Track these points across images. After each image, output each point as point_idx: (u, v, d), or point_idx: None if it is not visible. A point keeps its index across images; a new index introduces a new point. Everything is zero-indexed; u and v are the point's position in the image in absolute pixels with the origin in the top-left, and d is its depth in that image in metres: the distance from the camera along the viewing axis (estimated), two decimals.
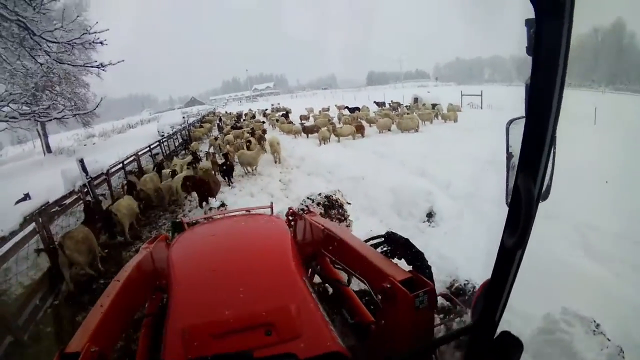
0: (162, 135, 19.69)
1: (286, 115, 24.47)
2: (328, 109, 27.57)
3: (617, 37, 39.70)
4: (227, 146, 11.93)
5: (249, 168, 10.30)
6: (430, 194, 5.95)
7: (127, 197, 6.84)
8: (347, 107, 23.58)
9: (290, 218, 3.13)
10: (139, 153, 11.71)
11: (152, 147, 13.48)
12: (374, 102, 27.21)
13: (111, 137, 28.06)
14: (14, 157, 22.96)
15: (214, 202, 7.12)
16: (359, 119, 17.76)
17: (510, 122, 0.89)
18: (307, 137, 16.28)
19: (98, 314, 1.55)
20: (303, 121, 19.17)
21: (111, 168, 8.67)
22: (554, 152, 0.78)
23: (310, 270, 2.61)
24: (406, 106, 23.19)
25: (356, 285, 2.62)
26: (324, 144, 14.29)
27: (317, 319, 1.46)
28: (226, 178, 10.00)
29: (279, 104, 38.19)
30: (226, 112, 37.76)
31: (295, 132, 17.01)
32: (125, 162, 10.05)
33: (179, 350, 1.31)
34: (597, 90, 28.68)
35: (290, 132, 17.29)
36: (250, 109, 35.97)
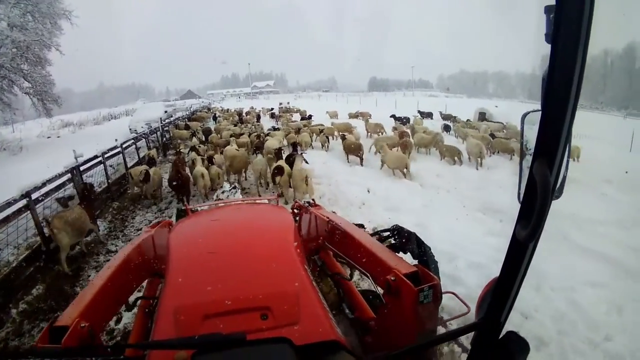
0: (135, 132, 14.01)
1: (308, 119, 18.19)
2: (357, 116, 21.51)
3: (629, 60, 39.07)
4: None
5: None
6: None
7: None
8: (393, 116, 17.41)
9: (296, 211, 3.07)
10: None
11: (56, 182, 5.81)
12: (418, 111, 21.40)
13: (83, 130, 23.90)
14: None
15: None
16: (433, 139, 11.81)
17: (526, 115, 0.85)
18: (347, 158, 10.61)
19: (91, 290, 1.50)
20: (342, 133, 12.47)
21: None
22: (569, 149, 0.73)
23: (312, 264, 2.46)
24: (467, 121, 17.32)
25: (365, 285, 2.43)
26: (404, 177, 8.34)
27: (316, 307, 1.37)
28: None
29: (288, 103, 31.53)
30: (222, 108, 31.38)
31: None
32: None
33: (169, 329, 1.24)
34: (608, 114, 27.53)
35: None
36: (252, 107, 29.47)
